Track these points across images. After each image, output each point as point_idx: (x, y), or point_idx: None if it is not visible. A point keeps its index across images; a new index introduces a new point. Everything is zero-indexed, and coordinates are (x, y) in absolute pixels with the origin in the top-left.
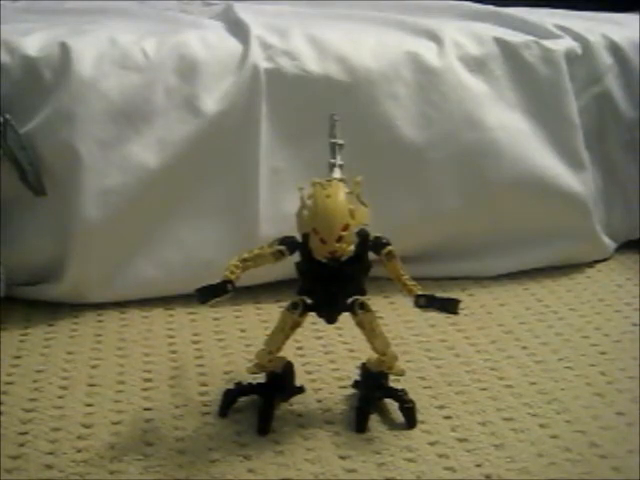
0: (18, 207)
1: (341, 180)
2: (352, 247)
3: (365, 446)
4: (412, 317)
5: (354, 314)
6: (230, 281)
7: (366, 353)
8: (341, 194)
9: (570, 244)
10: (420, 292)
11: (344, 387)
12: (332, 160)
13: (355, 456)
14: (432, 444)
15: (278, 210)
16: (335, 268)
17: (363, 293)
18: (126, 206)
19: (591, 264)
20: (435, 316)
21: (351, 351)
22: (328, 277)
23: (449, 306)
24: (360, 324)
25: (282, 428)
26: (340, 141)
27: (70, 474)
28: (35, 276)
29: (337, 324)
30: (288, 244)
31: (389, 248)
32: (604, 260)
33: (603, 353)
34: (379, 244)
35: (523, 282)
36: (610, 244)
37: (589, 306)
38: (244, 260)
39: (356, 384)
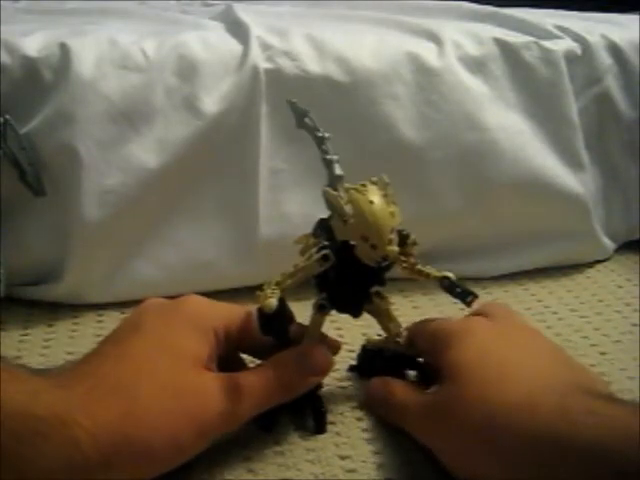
0: (18, 207)
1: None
2: (396, 247)
3: (365, 446)
4: (412, 318)
5: (370, 303)
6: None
7: None
8: (381, 198)
9: (570, 244)
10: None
11: (344, 387)
12: (328, 156)
13: (355, 456)
14: None
15: (278, 210)
16: (376, 269)
17: (384, 284)
18: (126, 206)
19: (591, 264)
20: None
21: (351, 351)
22: (366, 277)
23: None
24: (374, 311)
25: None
26: (327, 134)
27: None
28: (35, 276)
29: (335, 324)
30: (329, 249)
31: (413, 237)
32: (604, 260)
33: (603, 353)
34: (403, 235)
35: (523, 282)
36: (610, 244)
37: (589, 306)
38: (278, 283)
39: (354, 368)
